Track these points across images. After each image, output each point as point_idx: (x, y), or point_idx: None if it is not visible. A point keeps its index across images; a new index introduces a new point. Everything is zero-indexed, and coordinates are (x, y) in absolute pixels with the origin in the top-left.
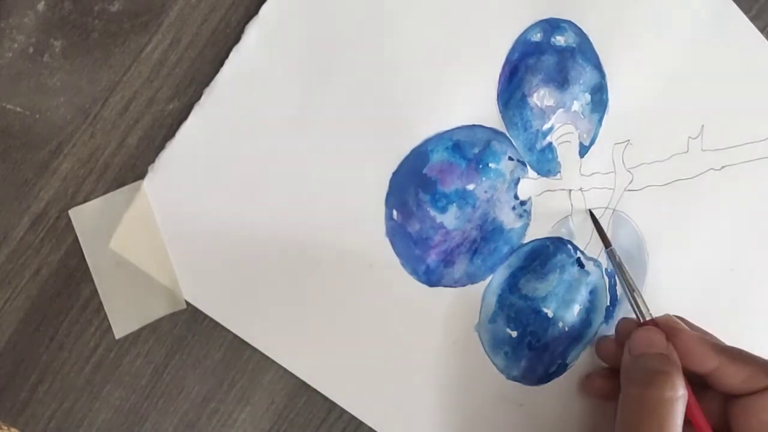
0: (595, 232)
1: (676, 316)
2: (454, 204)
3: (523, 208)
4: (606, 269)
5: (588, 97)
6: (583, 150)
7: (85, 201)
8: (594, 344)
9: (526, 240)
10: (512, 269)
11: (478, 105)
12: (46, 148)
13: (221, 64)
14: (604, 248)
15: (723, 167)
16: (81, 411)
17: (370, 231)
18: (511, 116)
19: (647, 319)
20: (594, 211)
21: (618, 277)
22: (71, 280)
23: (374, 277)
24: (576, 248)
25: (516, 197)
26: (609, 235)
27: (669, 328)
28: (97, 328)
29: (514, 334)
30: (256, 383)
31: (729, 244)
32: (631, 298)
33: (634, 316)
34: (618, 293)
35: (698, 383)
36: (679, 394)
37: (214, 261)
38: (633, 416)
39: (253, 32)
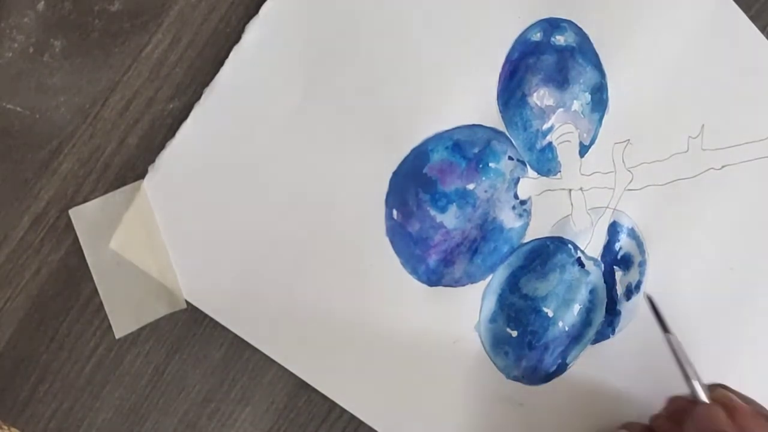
0: (601, 233)
1: (724, 386)
2: (454, 203)
3: (523, 207)
4: (605, 270)
5: (588, 96)
6: (584, 149)
7: (85, 201)
8: (650, 420)
9: (527, 239)
10: (512, 269)
11: (478, 104)
12: (46, 148)
13: (221, 64)
14: (663, 334)
15: (723, 167)
16: (81, 411)
17: (370, 231)
18: (511, 116)
19: (705, 402)
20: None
21: (677, 363)
22: (71, 280)
23: (374, 277)
24: (576, 248)
25: (516, 197)
26: (609, 235)
27: (725, 405)
28: (97, 328)
29: (515, 333)
30: (256, 383)
31: (729, 244)
32: (690, 383)
33: (633, 318)
34: (618, 293)
35: None
36: None
37: (214, 261)
38: None
39: (253, 32)
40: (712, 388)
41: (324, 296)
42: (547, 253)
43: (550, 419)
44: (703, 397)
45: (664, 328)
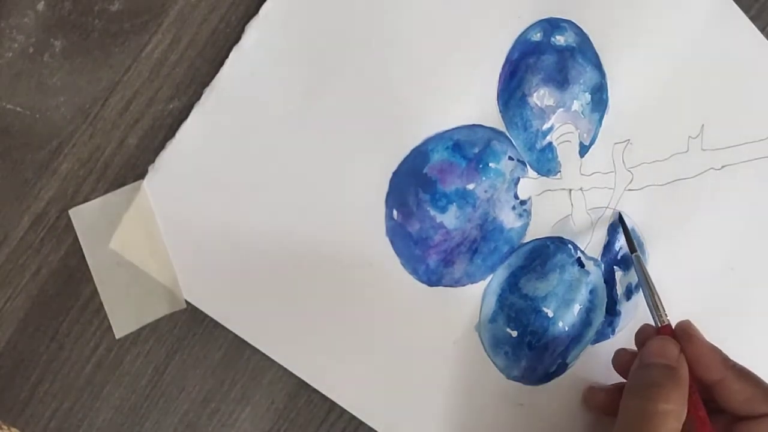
0: (601, 233)
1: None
2: (454, 204)
3: (523, 207)
4: (605, 270)
5: (588, 96)
6: (584, 149)
7: (85, 201)
8: (612, 358)
9: (527, 239)
10: (512, 269)
11: (478, 104)
12: (46, 148)
13: (221, 64)
14: (629, 253)
15: (723, 167)
16: (81, 411)
17: (370, 231)
18: (511, 116)
19: (665, 324)
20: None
21: (641, 282)
22: (71, 280)
23: (374, 277)
24: (576, 248)
25: (516, 197)
26: (609, 235)
27: (684, 333)
28: (97, 328)
29: (515, 333)
30: (256, 383)
31: (729, 244)
32: (651, 303)
33: (633, 318)
34: (618, 294)
35: (708, 406)
36: (671, 408)
37: (214, 261)
38: (627, 427)
39: (253, 32)
40: (682, 322)
41: (324, 296)
42: (547, 253)
43: (550, 419)
44: (663, 315)
45: (632, 248)
